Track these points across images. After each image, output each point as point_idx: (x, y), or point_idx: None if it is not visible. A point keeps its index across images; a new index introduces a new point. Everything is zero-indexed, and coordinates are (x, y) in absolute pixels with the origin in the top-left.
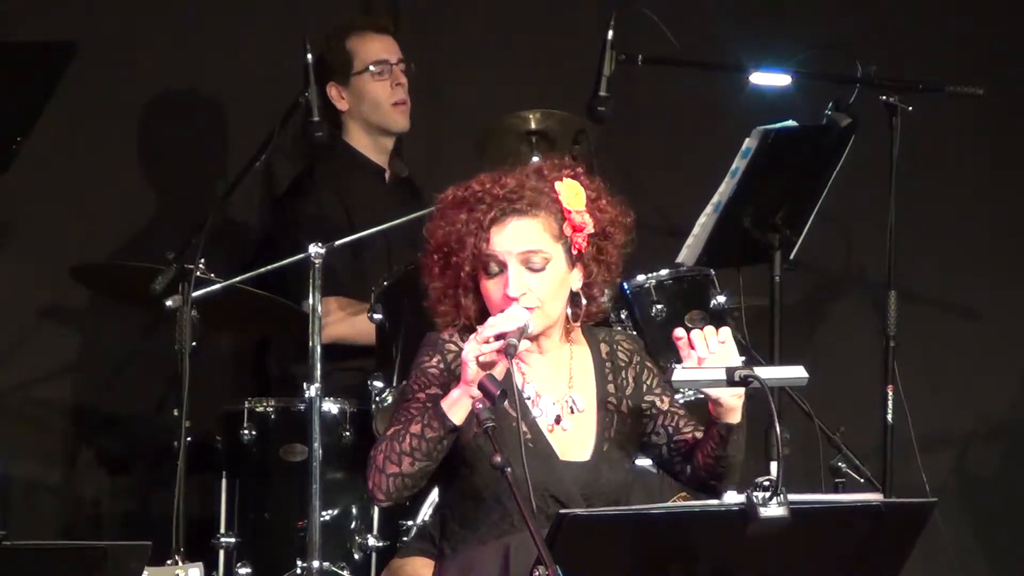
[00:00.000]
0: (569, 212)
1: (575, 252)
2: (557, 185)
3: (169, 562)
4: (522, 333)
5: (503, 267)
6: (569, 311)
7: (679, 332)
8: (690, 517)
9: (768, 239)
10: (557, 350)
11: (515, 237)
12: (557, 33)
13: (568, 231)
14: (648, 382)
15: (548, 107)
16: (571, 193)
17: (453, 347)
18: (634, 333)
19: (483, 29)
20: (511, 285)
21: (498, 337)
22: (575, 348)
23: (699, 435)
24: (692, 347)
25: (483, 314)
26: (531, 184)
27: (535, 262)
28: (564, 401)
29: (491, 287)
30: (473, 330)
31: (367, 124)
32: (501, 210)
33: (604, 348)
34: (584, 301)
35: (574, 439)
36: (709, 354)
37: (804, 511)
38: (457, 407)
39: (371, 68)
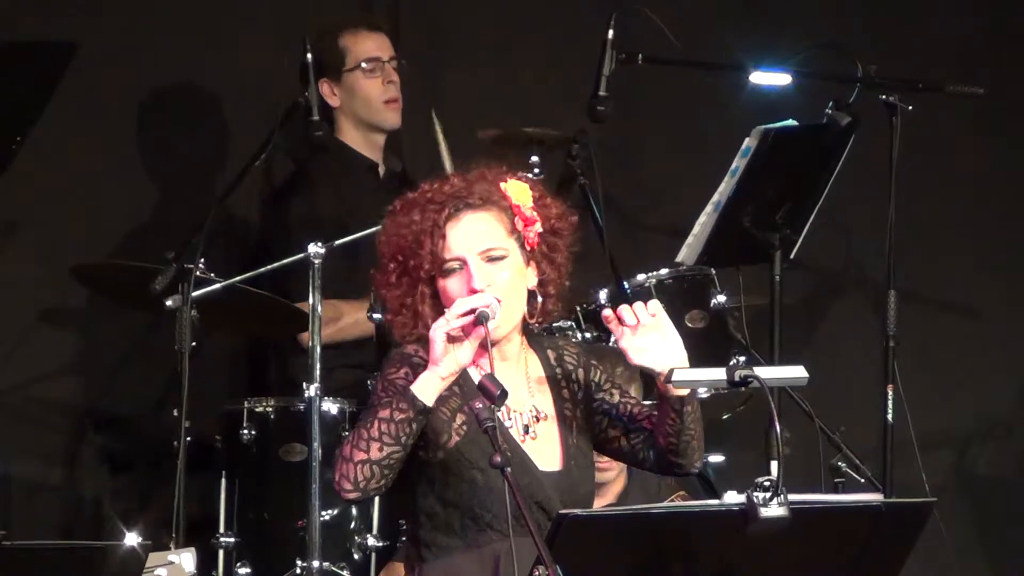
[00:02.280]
0: (519, 207)
1: (528, 249)
2: (502, 185)
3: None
4: (491, 313)
5: (463, 263)
6: (526, 309)
7: (607, 312)
8: (690, 517)
9: (768, 239)
10: (516, 358)
11: (472, 232)
12: (557, 33)
13: (520, 225)
14: (596, 379)
15: (548, 107)
16: (518, 190)
17: (420, 360)
18: (577, 338)
19: (483, 29)
20: (475, 278)
21: (467, 313)
22: (528, 356)
23: (654, 419)
24: (622, 323)
25: None
26: (478, 183)
27: (494, 254)
28: (528, 409)
29: (451, 285)
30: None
31: (359, 121)
32: (455, 207)
33: (552, 355)
34: (540, 299)
35: (544, 448)
36: (640, 325)
37: (804, 511)
38: (427, 387)
39: (363, 65)
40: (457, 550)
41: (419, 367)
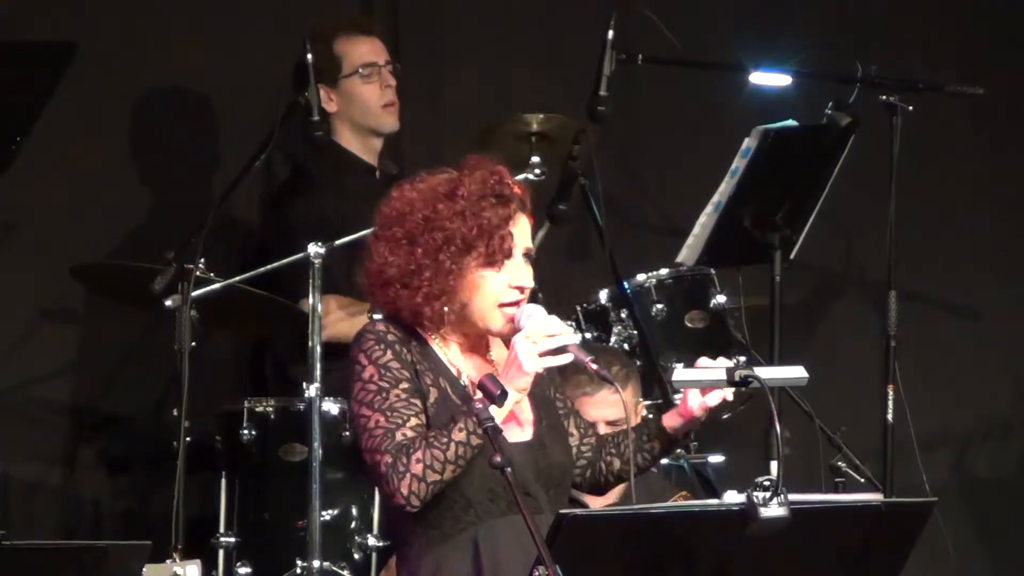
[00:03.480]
0: (530, 211)
1: None
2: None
3: (168, 561)
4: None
5: (510, 259)
6: None
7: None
8: (690, 517)
9: (768, 239)
10: (480, 339)
11: (523, 233)
12: (557, 33)
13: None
14: (555, 381)
15: (548, 107)
16: (526, 193)
17: (394, 337)
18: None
19: (483, 29)
20: (526, 276)
21: (559, 348)
22: (492, 339)
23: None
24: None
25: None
26: (514, 180)
27: (531, 254)
28: None
29: (493, 278)
30: (399, 322)
31: (357, 126)
32: (518, 205)
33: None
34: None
35: (514, 419)
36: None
37: (804, 511)
38: (503, 411)
39: (360, 71)
40: (437, 541)
41: (395, 345)
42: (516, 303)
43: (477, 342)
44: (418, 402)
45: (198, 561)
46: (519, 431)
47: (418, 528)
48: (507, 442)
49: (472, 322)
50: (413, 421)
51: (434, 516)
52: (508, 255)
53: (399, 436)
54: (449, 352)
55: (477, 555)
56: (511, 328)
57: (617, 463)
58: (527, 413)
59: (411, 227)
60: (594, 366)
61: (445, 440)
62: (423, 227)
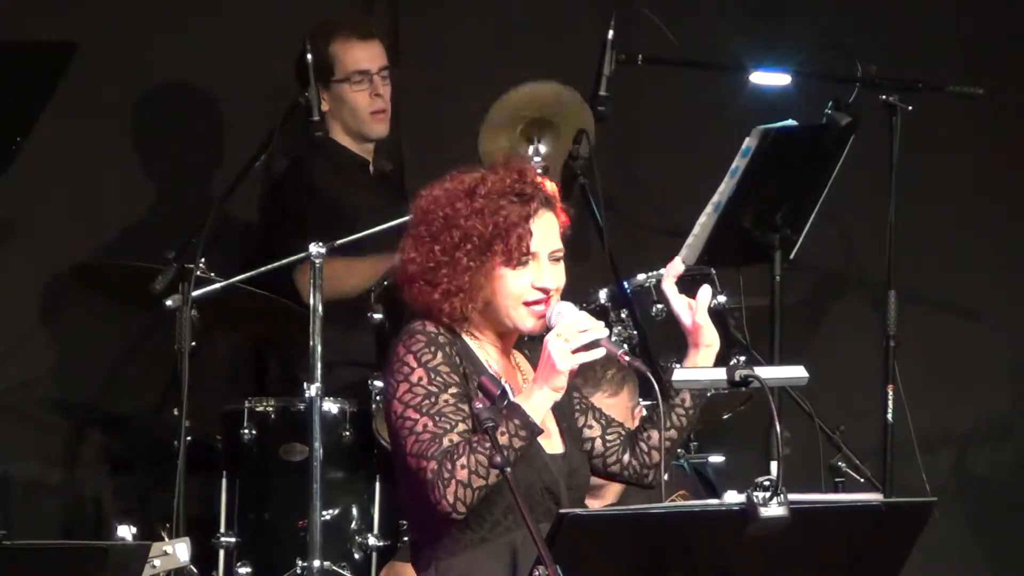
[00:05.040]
0: (563, 209)
1: None
2: (547, 183)
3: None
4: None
5: (534, 259)
6: None
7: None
8: (690, 517)
9: (768, 239)
10: (510, 351)
11: (548, 231)
12: (557, 33)
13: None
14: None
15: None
16: (556, 190)
17: (444, 339)
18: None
19: (483, 29)
20: (550, 277)
21: (592, 343)
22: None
23: (647, 421)
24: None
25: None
26: (540, 179)
27: (559, 255)
28: None
29: (514, 277)
30: (432, 319)
31: (347, 127)
32: (540, 202)
33: (525, 353)
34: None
35: (546, 431)
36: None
37: (804, 511)
38: (541, 408)
39: (351, 78)
40: (473, 544)
41: (445, 347)
42: (541, 302)
43: (511, 343)
44: (466, 407)
45: (187, 539)
46: (551, 443)
47: (453, 529)
48: (545, 453)
49: (499, 320)
50: (460, 427)
51: (473, 518)
52: (526, 254)
53: (446, 442)
54: (488, 354)
55: (515, 563)
56: (542, 325)
57: (655, 434)
58: (553, 424)
59: (433, 225)
60: (627, 358)
61: (488, 444)
62: (443, 225)
